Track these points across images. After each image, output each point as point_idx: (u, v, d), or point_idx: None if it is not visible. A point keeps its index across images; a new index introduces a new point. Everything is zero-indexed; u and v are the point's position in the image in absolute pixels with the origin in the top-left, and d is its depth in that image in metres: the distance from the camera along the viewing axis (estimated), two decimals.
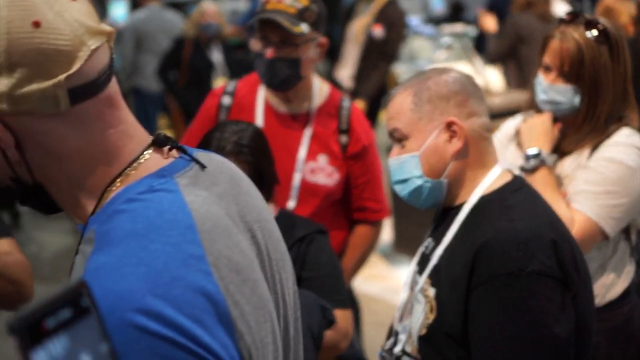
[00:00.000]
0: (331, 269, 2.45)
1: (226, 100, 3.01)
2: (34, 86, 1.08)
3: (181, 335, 1.03)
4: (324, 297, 2.33)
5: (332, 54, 7.40)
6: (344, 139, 2.97)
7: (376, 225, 3.11)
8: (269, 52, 2.78)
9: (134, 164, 1.16)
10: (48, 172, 1.14)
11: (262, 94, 2.96)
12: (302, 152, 2.92)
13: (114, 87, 1.16)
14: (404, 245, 5.57)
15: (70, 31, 1.10)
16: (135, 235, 1.07)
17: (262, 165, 2.34)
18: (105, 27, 1.15)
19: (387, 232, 5.76)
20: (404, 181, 2.02)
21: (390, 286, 5.26)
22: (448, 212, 2.00)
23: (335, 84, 6.14)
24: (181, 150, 1.22)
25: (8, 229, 2.20)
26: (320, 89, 2.99)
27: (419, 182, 1.99)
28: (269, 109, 2.95)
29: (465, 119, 1.96)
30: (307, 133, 2.94)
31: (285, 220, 2.43)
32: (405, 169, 2.00)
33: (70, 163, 1.14)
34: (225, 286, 1.10)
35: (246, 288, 1.15)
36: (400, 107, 2.01)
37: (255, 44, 2.87)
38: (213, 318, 1.07)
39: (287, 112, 2.93)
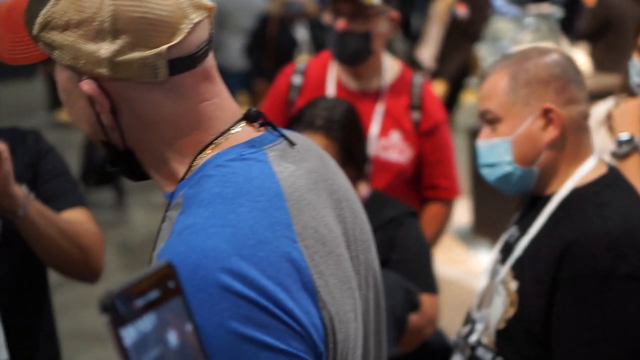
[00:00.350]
0: (419, 252, 2.43)
1: (297, 79, 3.03)
2: (136, 54, 1.10)
3: (264, 298, 1.03)
4: (411, 281, 2.30)
5: (412, 34, 7.33)
6: (416, 115, 2.96)
7: (448, 203, 3.08)
8: (340, 24, 2.80)
9: (225, 134, 1.17)
10: (140, 138, 1.16)
11: (333, 72, 2.97)
12: (375, 128, 2.92)
13: (211, 61, 1.18)
14: (483, 229, 5.50)
15: (175, 3, 1.12)
16: (223, 198, 1.09)
17: (352, 142, 2.34)
18: (207, 2, 1.17)
19: (465, 215, 5.70)
20: (492, 165, 1.94)
21: (469, 270, 5.20)
22: (536, 201, 1.92)
23: (416, 64, 6.08)
24: (271, 126, 1.23)
25: (83, 199, 2.23)
26: (391, 65, 2.98)
27: (508, 168, 1.91)
28: (340, 87, 2.95)
29: (563, 105, 1.87)
30: (379, 110, 2.93)
31: (376, 200, 2.43)
32: (495, 153, 1.92)
33: (163, 131, 1.15)
34: (310, 255, 1.10)
35: (331, 260, 1.14)
36: (494, 87, 1.91)
37: (327, 17, 2.89)
38: (296, 284, 1.07)
39: (358, 89, 2.93)
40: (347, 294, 1.17)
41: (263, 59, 6.88)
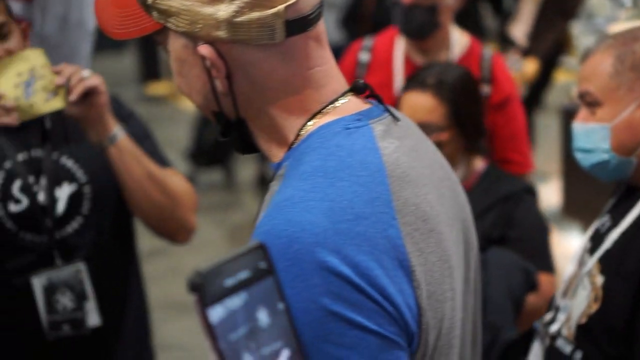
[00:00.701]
0: (538, 231, 2.40)
1: (364, 56, 3.02)
2: (254, 14, 1.10)
3: (357, 275, 1.02)
4: (528, 260, 2.27)
5: (504, 11, 7.19)
6: (486, 88, 2.92)
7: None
8: None
9: (333, 105, 1.16)
10: (251, 106, 1.16)
11: (400, 47, 2.95)
12: None
13: (322, 26, 1.17)
14: (574, 210, 5.39)
15: None
16: (324, 171, 1.08)
17: (463, 108, 2.32)
18: None
19: (555, 196, 5.60)
20: (588, 151, 1.84)
21: (558, 253, 5.11)
22: (632, 191, 1.84)
23: (507, 41, 5.98)
24: (377, 99, 1.21)
25: (169, 161, 2.26)
26: (459, 38, 2.95)
27: (604, 156, 1.81)
28: (408, 62, 2.94)
29: None
30: None
31: (492, 175, 2.41)
32: (592, 138, 1.82)
33: (274, 98, 1.15)
34: (409, 232, 1.09)
35: (432, 238, 1.12)
36: (597, 68, 1.80)
37: None
38: (392, 261, 1.05)
39: (426, 64, 2.89)
40: (446, 272, 1.15)
41: (359, 33, 6.85)
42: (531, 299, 2.26)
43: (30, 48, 2.01)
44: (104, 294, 2.13)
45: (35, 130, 2.11)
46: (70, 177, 2.09)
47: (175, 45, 1.16)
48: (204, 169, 6.57)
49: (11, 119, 1.94)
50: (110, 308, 2.15)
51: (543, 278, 2.32)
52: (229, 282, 0.81)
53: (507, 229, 2.35)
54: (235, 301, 0.81)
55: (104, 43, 1.07)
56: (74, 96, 1.95)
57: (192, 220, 2.20)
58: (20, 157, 2.09)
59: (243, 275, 0.83)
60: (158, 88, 9.08)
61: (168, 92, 8.86)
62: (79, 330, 2.07)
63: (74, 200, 2.09)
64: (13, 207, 2.06)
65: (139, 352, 2.29)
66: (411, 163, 1.16)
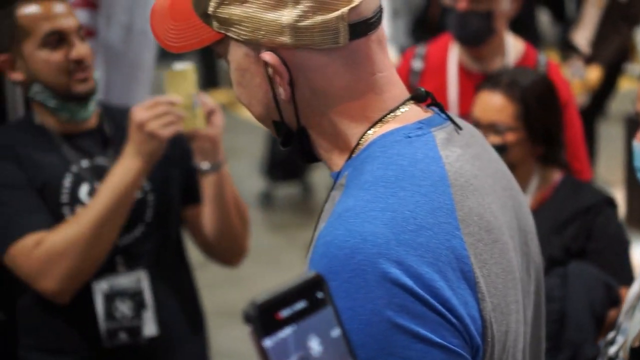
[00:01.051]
0: (618, 243, 2.35)
1: (417, 64, 2.99)
2: (318, 18, 1.09)
3: (421, 286, 1.00)
4: (609, 273, 2.22)
5: (567, 17, 7.10)
6: None
7: None
8: (461, 4, 2.76)
9: (394, 112, 1.15)
10: (313, 113, 1.15)
11: (454, 54, 2.92)
12: None
13: (382, 31, 1.16)
14: (637, 220, 5.29)
15: None
16: (386, 181, 1.07)
17: (533, 111, 2.30)
18: None
19: (619, 206, 5.49)
20: None
21: None
22: None
23: (570, 48, 5.89)
24: (439, 107, 1.19)
25: None
26: (514, 45, 2.91)
27: None
28: (462, 69, 2.91)
29: None
30: None
31: (570, 186, 2.37)
32: None
33: (336, 104, 1.14)
34: (472, 243, 1.06)
35: (496, 249, 1.10)
36: None
37: None
38: (456, 272, 1.03)
39: (480, 71, 2.87)
40: (510, 284, 1.12)
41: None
42: (612, 315, 2.20)
43: (191, 64, 2.10)
44: (161, 304, 2.14)
45: (96, 139, 2.14)
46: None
47: (236, 54, 1.15)
48: (280, 183, 6.40)
49: (179, 127, 2.01)
50: (167, 317, 2.16)
51: (624, 292, 2.25)
52: (285, 313, 0.80)
53: (587, 242, 2.30)
54: (288, 331, 0.80)
55: (166, 51, 1.09)
56: (213, 117, 2.08)
57: (248, 245, 2.27)
58: (84, 163, 2.11)
59: (299, 305, 0.81)
60: (217, 96, 9.15)
61: (227, 100, 8.92)
62: (136, 339, 2.08)
63: (138, 207, 2.11)
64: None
65: None
66: (474, 171, 1.14)
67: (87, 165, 2.11)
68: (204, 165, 2.14)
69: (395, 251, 1.01)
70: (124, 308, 2.06)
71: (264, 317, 0.79)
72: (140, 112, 2.00)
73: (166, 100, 2.01)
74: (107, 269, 2.08)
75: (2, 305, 2.20)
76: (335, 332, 0.82)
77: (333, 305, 0.83)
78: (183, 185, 2.22)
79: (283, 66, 1.11)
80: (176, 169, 2.17)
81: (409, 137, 1.12)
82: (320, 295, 0.82)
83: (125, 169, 1.99)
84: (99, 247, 2.00)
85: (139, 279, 2.08)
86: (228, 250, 2.26)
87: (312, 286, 0.82)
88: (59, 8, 2.04)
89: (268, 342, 0.79)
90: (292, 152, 1.20)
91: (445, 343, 1.01)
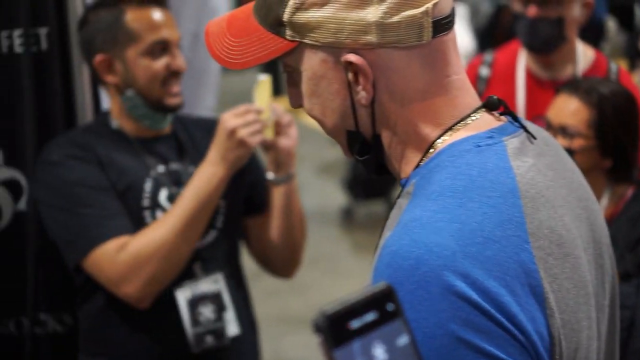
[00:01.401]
0: None
1: (484, 71, 2.95)
2: (404, 14, 1.08)
3: (487, 300, 0.98)
4: None
5: (633, 26, 6.99)
6: None
7: None
8: (531, 11, 2.71)
9: (465, 120, 1.12)
10: (388, 118, 1.13)
11: (522, 62, 2.87)
12: None
13: (453, 31, 1.14)
14: None
15: None
16: (454, 191, 1.04)
17: (608, 121, 2.26)
18: None
19: None
20: None
21: None
22: None
23: (638, 55, 5.79)
24: (511, 115, 1.16)
25: None
26: (584, 52, 2.85)
27: None
28: (530, 77, 2.86)
29: None
30: None
31: None
32: None
33: (410, 108, 1.12)
34: (542, 257, 1.03)
35: (567, 263, 1.07)
36: None
37: (516, 4, 2.80)
38: (524, 287, 1.01)
39: (550, 78, 2.82)
40: (582, 300, 1.09)
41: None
42: None
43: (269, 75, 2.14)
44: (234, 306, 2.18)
45: (171, 145, 2.17)
46: None
47: (311, 62, 1.13)
48: (361, 201, 6.15)
49: (264, 137, 2.06)
50: (240, 320, 2.19)
51: None
52: (355, 324, 0.79)
53: None
54: (356, 341, 0.79)
55: None
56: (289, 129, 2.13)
57: (302, 257, 2.29)
58: (161, 169, 2.14)
59: (369, 317, 0.80)
60: (281, 103, 9.20)
61: (290, 107, 8.97)
62: (221, 341, 2.11)
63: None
64: (160, 216, 2.10)
65: None
66: (547, 182, 1.11)
67: (163, 170, 2.13)
68: (277, 176, 2.16)
69: (461, 264, 0.99)
70: (207, 312, 2.08)
71: (334, 328, 0.78)
72: (231, 119, 2.01)
73: (255, 109, 2.04)
74: (186, 275, 2.09)
75: (70, 309, 2.22)
76: (402, 341, 0.82)
77: (403, 317, 0.82)
78: (247, 194, 2.23)
79: (368, 67, 1.09)
80: (244, 178, 2.18)
81: (479, 146, 1.09)
82: (390, 307, 0.82)
83: (209, 175, 2.02)
84: (182, 252, 2.02)
85: (216, 281, 2.11)
86: (286, 261, 2.27)
87: (383, 297, 0.82)
88: (165, 18, 2.08)
89: (337, 353, 0.78)
90: (364, 163, 1.18)
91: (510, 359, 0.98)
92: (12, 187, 2.23)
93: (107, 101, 2.25)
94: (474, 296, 0.98)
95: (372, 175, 1.20)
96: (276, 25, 1.12)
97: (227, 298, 2.12)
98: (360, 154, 1.17)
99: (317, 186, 6.61)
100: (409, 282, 0.98)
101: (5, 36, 2.17)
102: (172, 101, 2.09)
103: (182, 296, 2.07)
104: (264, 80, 2.09)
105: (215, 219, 2.13)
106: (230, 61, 1.17)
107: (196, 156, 2.14)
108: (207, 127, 2.19)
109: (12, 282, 2.24)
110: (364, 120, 1.13)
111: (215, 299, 2.09)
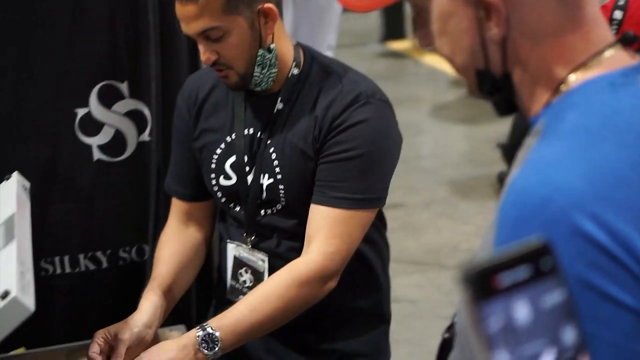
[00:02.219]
0: None
1: (617, 14, 2.83)
2: None
3: (616, 243, 0.94)
4: None
5: None
6: None
7: None
8: None
9: (599, 56, 1.08)
10: (519, 55, 1.09)
11: None
12: None
13: None
14: None
15: None
16: (586, 131, 1.01)
17: None
18: None
19: None
20: None
21: None
22: None
23: None
24: None
25: None
26: None
27: None
28: None
29: None
30: None
31: None
32: None
33: (543, 44, 1.08)
34: None
35: None
36: None
37: None
38: None
39: None
40: None
41: None
42: None
43: None
44: None
45: (267, 106, 2.06)
46: (270, 172, 2.04)
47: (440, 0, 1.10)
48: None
49: None
50: None
51: None
52: (504, 280, 0.77)
53: None
54: (501, 297, 0.77)
55: None
56: None
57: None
58: (240, 132, 2.06)
59: (520, 274, 0.77)
60: (400, 44, 9.11)
61: (410, 48, 8.87)
62: None
63: (269, 192, 2.05)
64: (223, 182, 2.09)
65: None
66: None
67: (244, 133, 2.06)
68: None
69: (591, 204, 0.95)
70: (246, 276, 2.10)
71: (481, 283, 0.76)
72: None
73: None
74: (241, 239, 2.11)
75: None
76: (552, 301, 0.79)
77: (560, 274, 0.79)
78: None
79: (501, 2, 1.06)
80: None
81: (614, 84, 1.05)
82: (545, 264, 0.79)
83: None
84: None
85: (262, 260, 2.08)
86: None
87: (537, 254, 0.79)
88: (187, 11, 1.92)
89: (484, 308, 0.76)
90: (494, 102, 1.15)
91: (638, 307, 0.95)
92: (137, 118, 2.29)
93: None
94: (603, 238, 0.94)
95: (501, 115, 1.17)
96: None
97: (266, 276, 2.07)
98: (489, 93, 1.14)
99: (434, 127, 6.55)
100: (535, 222, 0.95)
101: None
102: (226, 83, 2.01)
103: (232, 250, 2.11)
104: None
105: (277, 200, 2.05)
106: (354, 3, 1.16)
107: (279, 132, 2.03)
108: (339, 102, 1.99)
109: (135, 210, 2.33)
110: (495, 58, 1.10)
111: (256, 271, 2.09)
